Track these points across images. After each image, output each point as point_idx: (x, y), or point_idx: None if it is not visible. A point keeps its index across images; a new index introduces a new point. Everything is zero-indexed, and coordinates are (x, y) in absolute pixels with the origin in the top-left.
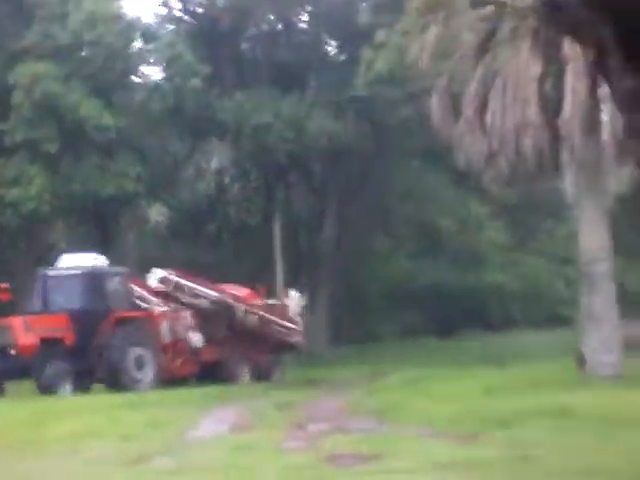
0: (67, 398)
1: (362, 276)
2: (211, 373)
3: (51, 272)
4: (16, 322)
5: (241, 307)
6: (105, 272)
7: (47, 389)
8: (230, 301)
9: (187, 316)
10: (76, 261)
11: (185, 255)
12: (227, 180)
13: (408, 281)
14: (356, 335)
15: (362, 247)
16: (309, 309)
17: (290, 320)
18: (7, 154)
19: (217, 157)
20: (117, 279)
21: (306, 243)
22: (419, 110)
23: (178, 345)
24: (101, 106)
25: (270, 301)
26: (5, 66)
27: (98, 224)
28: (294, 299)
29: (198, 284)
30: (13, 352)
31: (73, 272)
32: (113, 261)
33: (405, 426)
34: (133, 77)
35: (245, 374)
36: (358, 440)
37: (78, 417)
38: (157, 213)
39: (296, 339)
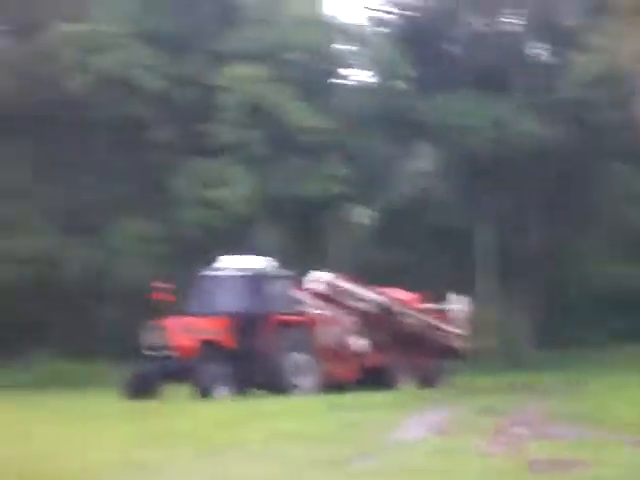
0: (265, 400)
1: (567, 280)
2: (373, 379)
3: (211, 273)
4: (173, 323)
5: (405, 311)
6: (267, 273)
7: (206, 392)
8: (394, 305)
9: (350, 320)
10: (239, 261)
11: (387, 258)
12: (431, 182)
13: (615, 286)
14: (560, 340)
15: (567, 251)
16: (510, 313)
17: (456, 325)
18: (212, 156)
19: (421, 159)
20: (279, 281)
21: (509, 247)
22: (628, 112)
23: (340, 350)
24: (307, 108)
25: (435, 306)
26: (210, 68)
27: (302, 226)
28: (460, 304)
29: (361, 287)
30: (167, 354)
31: (234, 273)
32: (317, 264)
33: (609, 433)
34: (338, 79)
35: (408, 380)
36: (561, 446)
37: (276, 419)
38: (361, 215)
39: (461, 345)
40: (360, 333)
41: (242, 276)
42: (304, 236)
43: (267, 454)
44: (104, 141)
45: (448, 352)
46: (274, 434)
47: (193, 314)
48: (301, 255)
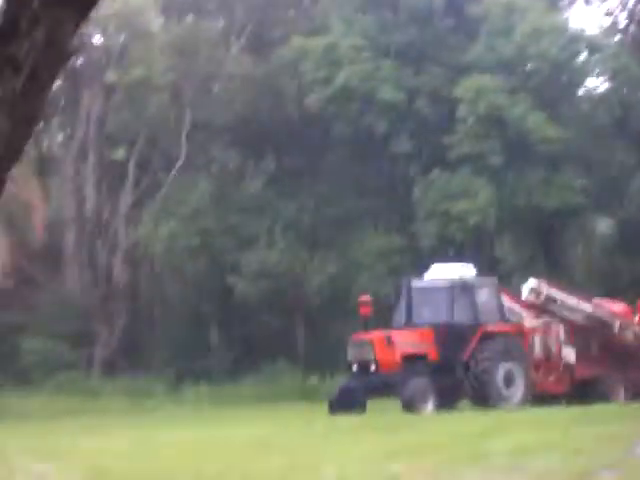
0: (515, 411)
1: None
2: (584, 392)
3: (416, 283)
4: (377, 337)
5: (617, 323)
6: (474, 283)
7: (410, 406)
8: (606, 316)
9: (560, 330)
10: (445, 271)
11: (630, 268)
12: None
13: None
14: None
15: None
16: None
17: None
18: (453, 167)
19: None
20: (487, 290)
21: None
22: None
23: (550, 361)
24: (546, 118)
25: None
26: (450, 80)
27: (543, 238)
28: None
29: (572, 296)
30: (373, 368)
31: (440, 283)
32: (557, 276)
33: None
34: (578, 89)
35: (620, 393)
36: None
37: (525, 431)
38: (604, 226)
39: None
40: (571, 344)
41: (448, 285)
42: (546, 248)
43: (512, 466)
44: (344, 154)
45: None
46: (518, 446)
47: (399, 327)
48: (542, 267)
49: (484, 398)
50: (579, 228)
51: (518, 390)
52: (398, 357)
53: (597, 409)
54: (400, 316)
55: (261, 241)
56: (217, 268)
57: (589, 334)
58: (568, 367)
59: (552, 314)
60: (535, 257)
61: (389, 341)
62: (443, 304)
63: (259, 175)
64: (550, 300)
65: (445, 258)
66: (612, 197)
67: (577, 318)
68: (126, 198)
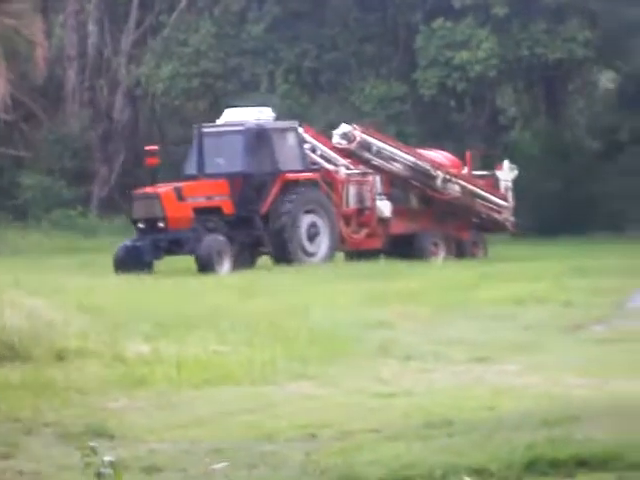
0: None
1: None
2: (400, 248)
3: (208, 129)
4: (165, 191)
5: (440, 175)
6: (272, 128)
7: (206, 266)
8: (429, 167)
9: (375, 181)
10: (239, 116)
11: (632, 123)
12: None
13: None
14: None
15: None
16: None
17: (500, 195)
18: (456, 17)
19: None
20: (287, 136)
21: None
22: None
23: (363, 214)
24: None
25: (479, 172)
26: None
27: (545, 89)
28: (507, 171)
29: (390, 145)
30: (162, 225)
31: (234, 129)
32: (558, 129)
33: None
34: None
35: (440, 251)
36: None
37: (519, 282)
38: (607, 80)
39: (504, 217)
40: (387, 197)
41: (242, 131)
42: (548, 100)
43: (502, 315)
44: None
45: (489, 224)
46: (508, 297)
47: (189, 178)
48: (543, 119)
49: (286, 254)
50: (582, 81)
51: (323, 245)
52: (189, 212)
53: (591, 263)
54: (191, 166)
55: (262, 85)
56: (217, 110)
57: (409, 187)
58: (383, 221)
59: (368, 163)
60: (536, 109)
61: (179, 194)
62: (238, 152)
63: (262, 18)
64: (364, 147)
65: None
66: (617, 51)
67: (396, 168)
68: (128, 37)
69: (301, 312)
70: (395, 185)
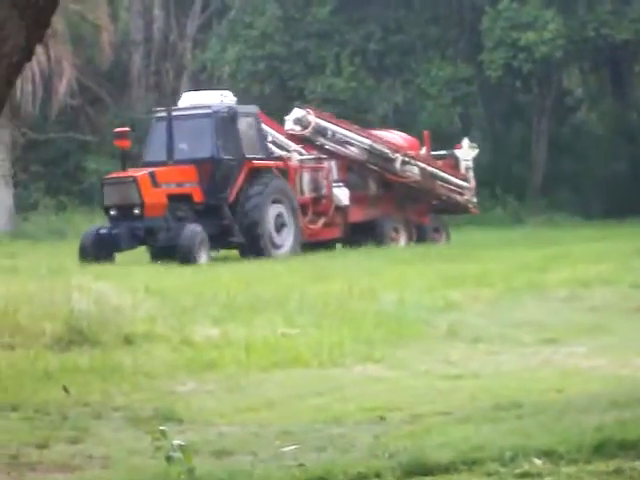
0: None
1: None
2: (359, 235)
3: (172, 113)
4: (142, 176)
5: (399, 157)
6: (241, 112)
7: (188, 257)
8: (385, 150)
9: (330, 168)
10: (201, 100)
11: None
12: None
13: None
14: None
15: None
16: None
17: (460, 176)
18: None
19: None
20: (248, 120)
21: None
22: None
23: (320, 203)
24: None
25: (437, 152)
26: None
27: (612, 70)
28: (466, 150)
29: (345, 128)
30: (137, 212)
31: (201, 112)
32: (624, 110)
33: None
34: None
35: (400, 237)
36: None
37: (586, 264)
38: None
39: (466, 199)
40: (344, 184)
41: (208, 114)
42: (615, 80)
43: (569, 297)
44: None
45: (451, 207)
46: (575, 278)
47: (149, 165)
48: (610, 100)
49: (256, 246)
50: None
51: (289, 236)
52: (164, 199)
53: None
54: (153, 151)
55: (328, 67)
56: (283, 93)
57: (366, 171)
58: (340, 209)
59: (322, 149)
60: (603, 90)
61: (154, 180)
62: (206, 136)
63: (327, 1)
64: (319, 132)
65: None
66: None
67: (352, 153)
68: (194, 21)
69: (369, 294)
70: (352, 171)
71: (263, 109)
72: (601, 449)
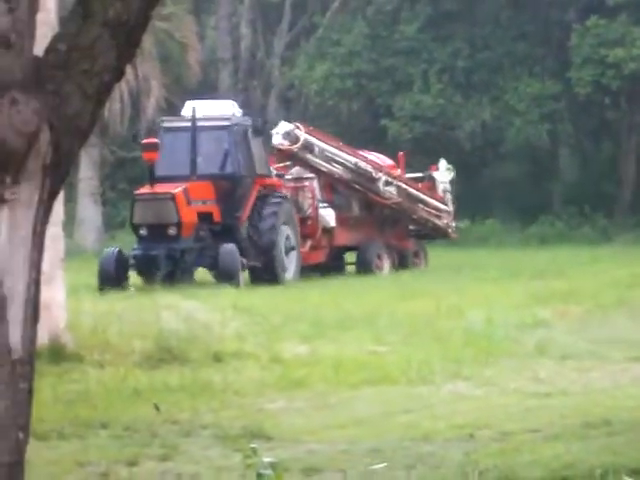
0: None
1: None
2: (340, 260)
3: (180, 123)
4: (179, 192)
5: (382, 177)
6: (254, 125)
7: (229, 280)
8: (369, 169)
9: (314, 187)
10: (208, 110)
11: None
12: None
13: None
14: None
15: None
16: None
17: (439, 199)
18: (611, 14)
19: None
20: (257, 135)
21: None
22: None
23: (306, 224)
24: None
25: (414, 174)
26: None
27: None
28: (443, 172)
29: (331, 145)
30: (173, 232)
31: (218, 123)
32: None
33: None
34: None
35: (385, 263)
36: None
37: None
38: None
39: (446, 223)
40: (329, 204)
41: (225, 127)
42: None
43: None
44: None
45: (430, 231)
46: None
47: (166, 178)
48: None
49: (270, 269)
50: None
51: (294, 259)
52: (196, 218)
53: None
54: (165, 165)
55: (415, 85)
56: (371, 111)
57: (350, 191)
58: (327, 231)
59: (309, 166)
60: None
61: (187, 197)
62: (225, 150)
63: (415, 18)
64: (307, 148)
65: (209, 96)
66: None
67: (338, 171)
68: (281, 39)
69: (456, 312)
70: (336, 191)
71: (351, 126)
72: None
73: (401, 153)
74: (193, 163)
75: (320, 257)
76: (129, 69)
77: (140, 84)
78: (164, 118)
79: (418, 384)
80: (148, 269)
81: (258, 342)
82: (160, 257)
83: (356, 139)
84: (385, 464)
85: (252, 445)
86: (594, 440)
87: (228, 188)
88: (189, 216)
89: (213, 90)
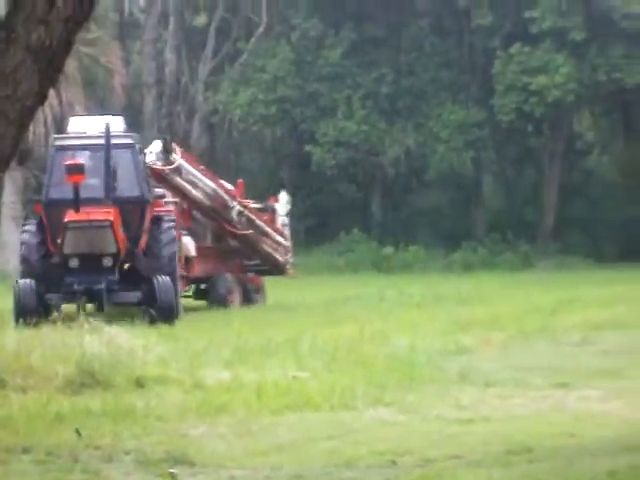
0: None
1: None
2: (201, 293)
3: (70, 141)
4: (116, 217)
5: (236, 207)
6: (138, 142)
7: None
8: (226, 197)
9: (181, 212)
10: (93, 126)
11: None
12: None
13: None
14: None
15: None
16: None
17: (280, 233)
18: (533, 42)
19: None
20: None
21: None
22: None
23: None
24: None
25: (256, 204)
26: None
27: (623, 114)
28: (283, 205)
29: (197, 169)
30: (108, 263)
31: (119, 141)
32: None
33: None
34: None
35: (235, 297)
36: None
37: (598, 307)
38: None
39: (286, 258)
40: (188, 231)
41: (130, 145)
42: (626, 124)
43: (581, 341)
44: (425, 26)
45: (271, 266)
46: (587, 322)
47: (62, 202)
48: (621, 144)
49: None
50: None
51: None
52: (124, 247)
53: None
54: (61, 187)
55: (339, 110)
56: (295, 136)
57: (207, 219)
58: (188, 261)
59: (172, 188)
60: (614, 133)
61: (118, 224)
62: (129, 171)
63: (339, 44)
64: (177, 170)
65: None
66: None
67: (199, 197)
68: (206, 64)
69: (380, 338)
70: (194, 218)
71: (275, 152)
72: None
73: (240, 180)
74: (108, 185)
75: (182, 289)
76: (52, 93)
77: (64, 108)
78: (56, 136)
79: (340, 410)
80: (88, 303)
81: (181, 367)
82: (101, 292)
83: (281, 164)
84: None
85: (171, 470)
86: (516, 467)
87: (134, 212)
88: (123, 245)
89: (137, 115)
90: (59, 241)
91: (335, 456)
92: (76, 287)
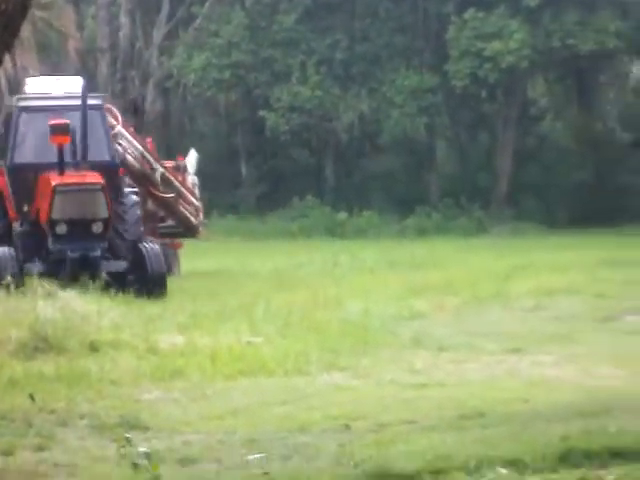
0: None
1: None
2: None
3: (36, 102)
4: (104, 181)
5: (160, 170)
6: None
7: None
8: (152, 159)
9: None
10: (64, 87)
11: None
12: None
13: None
14: None
15: None
16: None
17: (190, 191)
18: (488, 7)
19: None
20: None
21: None
22: None
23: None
24: None
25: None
26: None
27: (577, 80)
28: (192, 161)
29: (128, 132)
30: (98, 230)
31: (87, 102)
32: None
33: None
34: None
35: (175, 264)
36: None
37: (551, 273)
38: (639, 70)
39: (199, 219)
40: None
41: (98, 107)
42: (579, 90)
43: (534, 307)
44: None
45: (184, 228)
46: (541, 288)
47: (26, 167)
48: (575, 109)
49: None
50: (613, 71)
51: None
52: (111, 210)
53: (622, 254)
54: (25, 150)
55: (294, 76)
56: (249, 101)
57: (135, 183)
58: None
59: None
60: (568, 100)
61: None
62: (98, 134)
63: (293, 9)
64: (116, 136)
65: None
66: None
67: (131, 161)
68: (160, 28)
69: (334, 303)
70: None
71: (229, 117)
72: (566, 458)
73: (149, 139)
74: (85, 148)
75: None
76: (7, 57)
77: (18, 72)
78: (19, 96)
79: (294, 375)
80: (80, 272)
81: (135, 332)
82: (97, 259)
83: (234, 129)
84: (261, 455)
85: (127, 435)
86: (469, 431)
87: (105, 177)
88: (111, 210)
89: (91, 80)
90: (28, 207)
91: (289, 421)
92: (70, 254)
